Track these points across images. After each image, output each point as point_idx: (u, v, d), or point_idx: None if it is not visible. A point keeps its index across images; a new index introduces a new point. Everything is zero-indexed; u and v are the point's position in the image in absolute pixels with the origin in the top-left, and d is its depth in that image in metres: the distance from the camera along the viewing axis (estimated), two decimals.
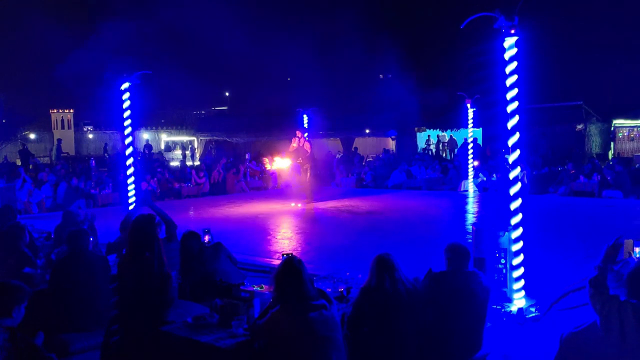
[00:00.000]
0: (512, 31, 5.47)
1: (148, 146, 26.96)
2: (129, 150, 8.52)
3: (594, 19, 19.14)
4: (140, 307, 4.09)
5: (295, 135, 13.75)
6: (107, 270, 5.21)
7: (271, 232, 10.22)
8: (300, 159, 13.35)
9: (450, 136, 25.36)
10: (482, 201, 13.95)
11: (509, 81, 5.60)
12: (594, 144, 21.68)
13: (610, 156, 20.69)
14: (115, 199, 15.04)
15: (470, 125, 16.08)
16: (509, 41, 5.55)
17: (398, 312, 3.72)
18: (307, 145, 13.61)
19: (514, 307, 5.49)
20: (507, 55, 5.59)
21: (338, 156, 23.90)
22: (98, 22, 24.74)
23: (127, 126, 8.46)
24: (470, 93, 15.48)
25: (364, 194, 16.03)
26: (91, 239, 5.27)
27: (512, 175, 5.64)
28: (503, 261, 5.64)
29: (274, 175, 19.30)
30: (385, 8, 23.85)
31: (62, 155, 23.59)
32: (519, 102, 5.63)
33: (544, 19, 16.58)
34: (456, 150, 24.87)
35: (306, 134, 14.40)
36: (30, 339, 3.42)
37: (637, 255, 5.91)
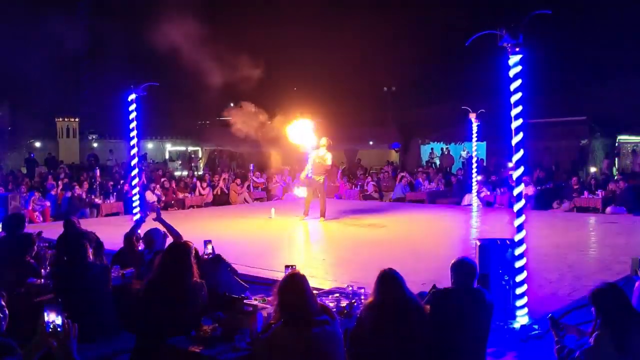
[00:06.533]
0: (517, 49, 5.49)
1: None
2: (134, 161, 8.57)
3: (599, 35, 19.21)
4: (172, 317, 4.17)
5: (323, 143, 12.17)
6: (108, 281, 5.21)
7: (273, 244, 10.20)
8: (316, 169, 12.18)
9: (448, 151, 25.29)
10: (485, 216, 13.92)
11: (514, 98, 5.62)
12: (598, 159, 21.62)
13: (614, 172, 20.63)
14: (119, 208, 15.11)
15: (475, 138, 16.08)
16: (514, 59, 5.58)
17: (402, 328, 3.72)
18: (329, 156, 12.23)
19: (517, 324, 5.47)
20: (511, 73, 5.61)
21: (341, 167, 23.91)
22: (105, 32, 24.95)
23: (133, 137, 8.51)
24: (475, 107, 15.49)
25: (367, 205, 16.01)
26: (90, 250, 5.27)
27: (517, 191, 5.64)
28: (507, 277, 5.63)
29: (279, 188, 19.33)
30: (390, 21, 23.99)
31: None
32: (523, 118, 5.64)
33: (549, 35, 16.63)
34: (454, 165, 24.78)
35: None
36: None
37: None
